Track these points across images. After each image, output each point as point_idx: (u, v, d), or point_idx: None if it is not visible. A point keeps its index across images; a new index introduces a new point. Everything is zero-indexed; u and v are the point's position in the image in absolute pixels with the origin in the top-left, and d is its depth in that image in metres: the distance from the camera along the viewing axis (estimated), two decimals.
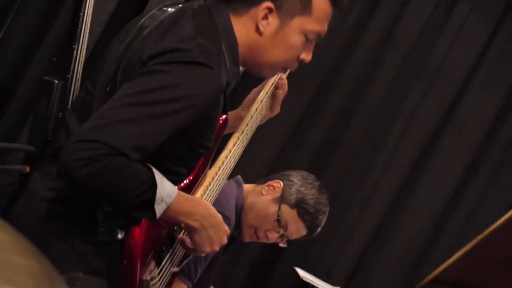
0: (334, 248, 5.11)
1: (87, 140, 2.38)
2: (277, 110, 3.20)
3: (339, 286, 4.73)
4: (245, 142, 3.06)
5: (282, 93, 3.16)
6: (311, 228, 3.90)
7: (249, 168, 4.08)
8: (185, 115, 2.51)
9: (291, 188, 3.87)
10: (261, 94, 3.08)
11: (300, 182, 3.92)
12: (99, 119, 2.46)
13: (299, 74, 4.09)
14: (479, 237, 3.93)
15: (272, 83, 3.11)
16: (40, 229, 2.48)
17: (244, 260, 5.00)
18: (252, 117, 3.04)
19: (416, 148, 5.15)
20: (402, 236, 5.15)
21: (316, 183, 3.97)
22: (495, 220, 3.90)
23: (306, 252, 5.04)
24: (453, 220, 5.12)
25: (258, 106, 3.06)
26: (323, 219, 3.94)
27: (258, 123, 3.14)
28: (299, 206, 3.84)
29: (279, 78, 3.12)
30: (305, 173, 4.07)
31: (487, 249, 3.91)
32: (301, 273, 4.50)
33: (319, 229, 3.95)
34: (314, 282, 4.46)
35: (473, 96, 5.13)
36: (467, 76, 5.12)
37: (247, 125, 3.01)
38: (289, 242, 4.70)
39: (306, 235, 3.94)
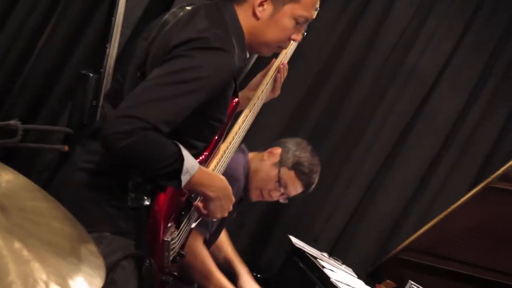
0: (321, 219, 5.05)
1: (125, 115, 2.41)
2: (277, 92, 3.20)
3: (325, 251, 4.65)
4: (252, 119, 3.05)
5: (282, 76, 3.15)
6: (307, 185, 3.95)
7: (254, 138, 4.07)
8: (205, 92, 2.53)
9: (287, 153, 3.89)
10: (266, 77, 3.09)
11: (295, 147, 3.94)
12: (134, 99, 2.49)
13: (297, 66, 4.33)
14: (442, 214, 4.02)
15: (275, 69, 3.11)
16: (76, 194, 2.48)
17: (245, 229, 4.95)
18: (258, 98, 3.04)
19: (391, 138, 5.10)
20: (378, 211, 5.08)
21: (309, 147, 4.00)
22: (456, 201, 3.95)
23: (298, 222, 5.00)
24: (421, 198, 5.07)
25: (264, 88, 3.06)
26: (316, 177, 3.99)
27: (263, 102, 3.13)
28: (296, 167, 3.87)
29: (281, 63, 3.13)
30: (299, 139, 4.10)
31: (449, 224, 3.97)
32: (294, 240, 4.42)
33: (313, 186, 4.00)
34: (305, 248, 4.35)
35: (439, 96, 5.08)
36: (434, 79, 5.08)
37: (254, 105, 3.01)
38: (283, 214, 4.79)
39: (303, 191, 3.98)
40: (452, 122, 5.05)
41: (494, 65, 5.06)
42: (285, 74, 3.21)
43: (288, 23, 2.76)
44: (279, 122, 4.88)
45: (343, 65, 5.05)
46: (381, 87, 5.04)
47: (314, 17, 2.83)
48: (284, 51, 3.13)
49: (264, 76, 3.13)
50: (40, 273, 1.66)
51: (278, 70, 3.13)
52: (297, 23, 2.77)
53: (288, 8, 2.73)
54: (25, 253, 1.69)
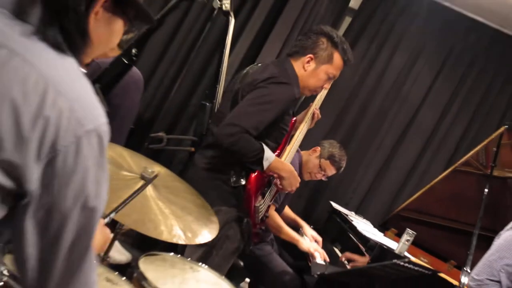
0: (350, 191, 4.91)
1: (229, 124, 2.46)
2: (313, 125, 3.17)
3: (353, 211, 4.63)
4: (303, 135, 3.03)
5: (316, 117, 3.13)
6: (338, 169, 3.95)
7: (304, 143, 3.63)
8: (276, 110, 2.58)
9: (324, 150, 3.90)
10: (307, 114, 3.07)
11: (328, 145, 3.92)
12: (234, 113, 2.53)
13: (333, 95, 4.29)
14: (426, 187, 3.98)
15: (311, 113, 3.08)
16: (201, 183, 2.40)
17: (301, 199, 4.83)
18: (304, 125, 3.01)
19: (393, 139, 4.94)
20: (386, 184, 4.91)
21: (338, 145, 3.98)
22: (435, 178, 3.95)
23: (336, 193, 4.89)
24: (413, 177, 4.90)
25: (306, 120, 3.03)
26: (344, 163, 3.97)
27: (307, 129, 3.10)
28: (330, 158, 3.88)
29: (315, 109, 3.10)
30: (331, 140, 4.07)
31: (431, 193, 3.98)
32: (333, 204, 4.47)
33: (342, 169, 3.99)
34: (340, 209, 4.35)
35: (423, 113, 4.92)
36: (421, 101, 4.92)
37: (302, 128, 2.99)
38: (325, 185, 4.78)
39: (336, 173, 3.97)
40: (431, 130, 4.92)
41: (458, 93, 4.88)
42: (319, 116, 3.18)
43: (323, 76, 2.76)
44: (320, 131, 4.65)
45: (362, 95, 4.96)
46: (385, 107, 4.94)
47: (338, 76, 2.83)
48: (318, 96, 3.08)
49: (306, 113, 3.09)
50: (177, 225, 1.84)
51: (313, 115, 3.10)
52: (328, 77, 2.78)
53: (324, 67, 2.75)
54: (166, 210, 1.86)
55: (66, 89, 0.97)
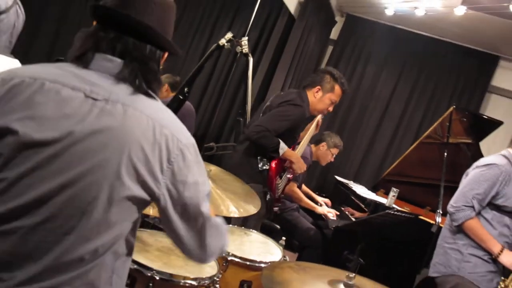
0: (349, 165, 4.86)
1: (256, 125, 2.45)
2: (317, 131, 2.98)
3: (351, 180, 4.50)
4: (309, 137, 2.91)
5: (319, 126, 2.94)
6: (340, 150, 3.86)
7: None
8: (291, 122, 2.55)
9: (329, 142, 3.81)
10: (312, 124, 2.91)
11: (329, 137, 3.82)
12: (261, 119, 2.52)
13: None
14: (402, 156, 3.86)
15: (316, 121, 2.92)
16: (236, 169, 2.37)
17: (313, 176, 4.78)
18: (308, 135, 2.87)
19: (373, 126, 4.86)
20: (374, 158, 4.84)
21: (334, 134, 3.89)
22: (408, 149, 3.84)
23: (338, 169, 4.82)
24: (392, 149, 4.81)
25: (309, 132, 2.88)
26: (341, 147, 3.88)
27: (313, 134, 2.95)
28: (335, 146, 3.82)
29: (319, 120, 2.95)
30: (328, 132, 3.98)
31: (405, 160, 3.90)
32: (337, 177, 4.37)
33: (341, 149, 3.89)
34: (342, 180, 4.27)
35: (393, 106, 4.82)
36: (389, 98, 4.85)
37: (309, 133, 2.85)
38: (329, 165, 4.33)
39: (338, 152, 3.88)
40: (399, 117, 4.82)
41: (415, 89, 4.77)
42: (320, 124, 3.02)
43: (328, 102, 2.72)
44: (323, 125, 4.39)
45: (347, 99, 4.90)
46: (365, 105, 4.90)
47: (338, 101, 2.78)
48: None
49: (311, 124, 2.93)
50: (232, 205, 1.80)
51: (317, 124, 2.95)
52: (331, 102, 2.73)
53: (328, 95, 2.71)
54: (223, 195, 1.82)
55: (165, 121, 1.00)
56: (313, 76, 2.80)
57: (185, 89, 2.53)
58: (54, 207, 0.90)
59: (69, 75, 0.96)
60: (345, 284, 1.35)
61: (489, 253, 2.24)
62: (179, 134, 1.01)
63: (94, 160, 0.91)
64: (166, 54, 1.07)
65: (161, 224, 1.06)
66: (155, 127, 0.97)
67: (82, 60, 0.98)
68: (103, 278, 0.96)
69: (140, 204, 0.98)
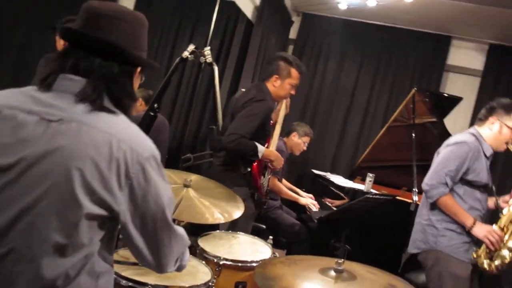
0: (325, 158, 4.85)
1: (230, 134, 2.42)
2: (288, 110, 3.07)
3: (328, 172, 4.53)
4: (280, 127, 2.91)
5: (288, 106, 3.06)
6: (311, 137, 3.91)
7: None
8: (260, 119, 2.51)
9: (299, 131, 3.83)
10: (283, 105, 2.97)
11: (299, 127, 3.86)
12: (232, 127, 2.48)
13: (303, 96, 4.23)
14: (373, 141, 3.93)
15: (284, 102, 2.96)
16: (218, 176, 2.33)
17: (292, 169, 4.61)
18: (280, 117, 2.92)
19: (342, 116, 4.88)
20: (347, 148, 4.85)
21: (302, 123, 3.94)
22: (377, 135, 3.91)
23: (315, 162, 4.79)
24: (362, 138, 4.83)
25: (281, 113, 2.93)
26: (312, 135, 3.92)
27: (284, 116, 2.98)
28: (306, 134, 3.84)
29: (286, 101, 2.99)
30: (297, 122, 4.01)
31: (377, 145, 3.94)
32: (314, 171, 4.37)
33: (311, 137, 3.94)
34: (319, 172, 4.28)
35: (358, 95, 4.86)
36: (353, 88, 4.87)
37: (279, 123, 2.90)
38: (305, 159, 4.69)
39: (310, 140, 3.92)
40: (365, 106, 4.85)
41: (377, 78, 4.84)
42: (288, 105, 3.13)
43: (288, 87, 2.69)
44: (294, 120, 4.26)
45: (313, 93, 4.95)
46: (331, 98, 4.90)
47: (298, 83, 2.75)
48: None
49: (278, 112, 2.98)
50: (216, 211, 1.78)
51: (286, 103, 3.02)
52: (292, 86, 2.70)
53: (287, 81, 2.67)
54: (206, 203, 1.80)
55: (124, 136, 0.98)
56: (268, 66, 2.78)
57: (155, 105, 2.51)
58: (16, 235, 0.89)
59: (28, 100, 0.96)
60: (335, 270, 1.38)
61: (462, 226, 2.31)
62: (139, 147, 0.99)
63: (48, 182, 0.90)
64: (138, 69, 1.08)
65: (122, 238, 1.05)
66: (111, 142, 0.95)
67: (45, 83, 0.98)
68: None
69: (102, 221, 0.97)
